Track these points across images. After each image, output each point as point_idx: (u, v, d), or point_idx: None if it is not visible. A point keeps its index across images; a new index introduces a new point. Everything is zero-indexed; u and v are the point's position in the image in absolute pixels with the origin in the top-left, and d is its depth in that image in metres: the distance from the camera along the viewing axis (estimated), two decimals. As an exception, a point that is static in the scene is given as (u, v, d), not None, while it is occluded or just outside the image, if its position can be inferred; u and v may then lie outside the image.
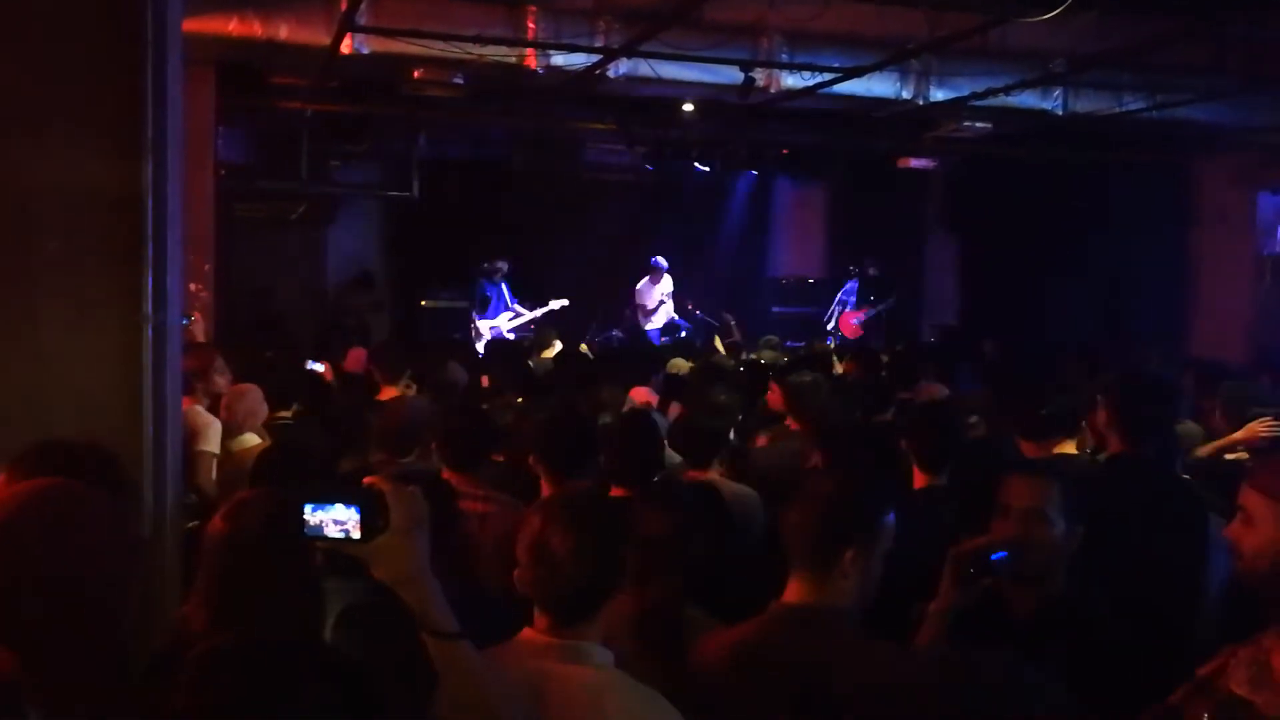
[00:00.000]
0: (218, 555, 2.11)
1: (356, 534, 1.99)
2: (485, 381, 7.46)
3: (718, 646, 2.70)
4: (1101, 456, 4.16)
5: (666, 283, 15.12)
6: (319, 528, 1.99)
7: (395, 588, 1.98)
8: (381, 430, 4.60)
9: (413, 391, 6.41)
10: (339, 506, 1.99)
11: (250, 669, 1.91)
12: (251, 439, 5.39)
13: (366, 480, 2.03)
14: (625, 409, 6.05)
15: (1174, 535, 3.17)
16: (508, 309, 14.22)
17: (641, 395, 6.59)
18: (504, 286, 14.29)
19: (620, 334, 14.73)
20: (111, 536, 1.93)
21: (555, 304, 13.97)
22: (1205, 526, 3.24)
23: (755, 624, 2.67)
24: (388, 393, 6.39)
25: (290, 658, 1.97)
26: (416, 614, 1.98)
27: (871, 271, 15.19)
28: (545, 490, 3.90)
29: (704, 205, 16.47)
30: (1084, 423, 4.61)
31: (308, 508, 1.99)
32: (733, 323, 14.40)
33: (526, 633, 2.37)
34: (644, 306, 15.11)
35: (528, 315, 14.08)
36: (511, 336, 13.62)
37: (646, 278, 15.09)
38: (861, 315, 15.10)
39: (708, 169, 13.87)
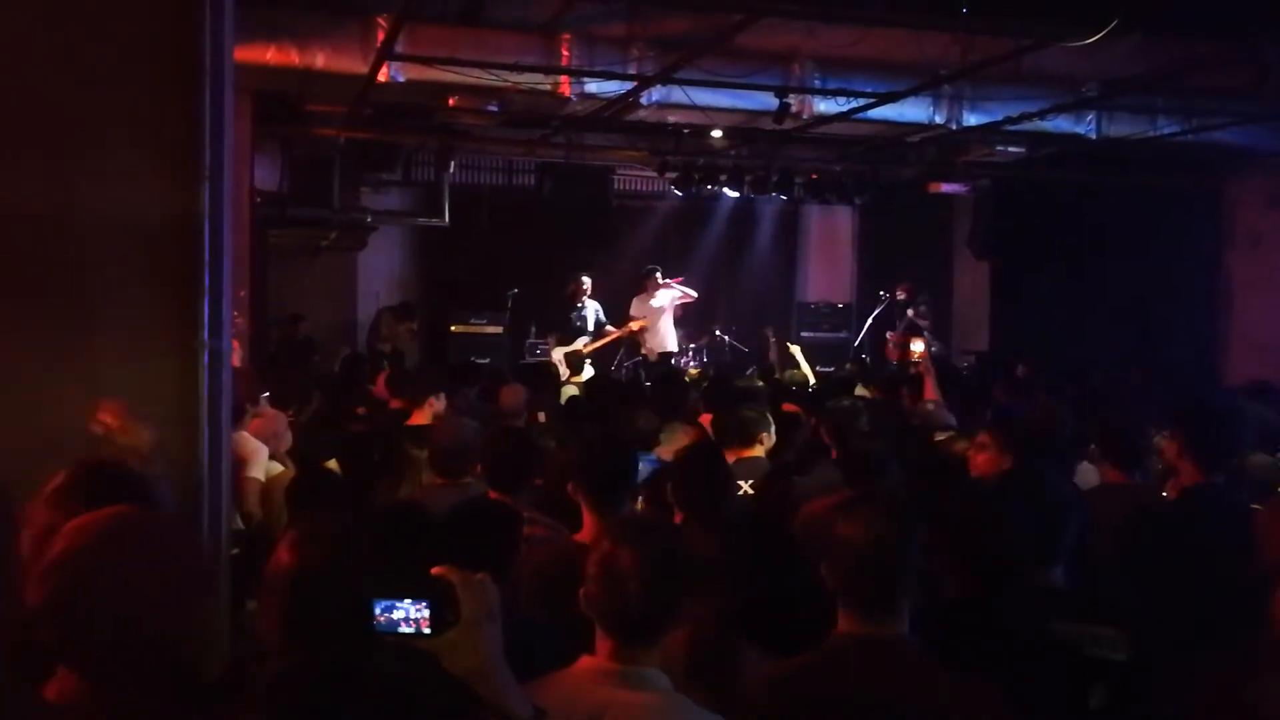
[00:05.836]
0: (285, 587, 2.12)
1: (427, 629, 1.98)
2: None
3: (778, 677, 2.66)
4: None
5: (661, 295, 13.32)
6: (390, 624, 1.99)
7: (469, 680, 1.98)
8: (436, 453, 4.60)
9: (440, 408, 6.40)
10: (408, 602, 1.99)
11: (312, 690, 1.94)
12: (274, 467, 5.38)
13: (435, 571, 2.01)
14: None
15: (1242, 566, 3.14)
16: (585, 333, 13.09)
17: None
18: (595, 308, 13.19)
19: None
20: (182, 562, 1.95)
21: (635, 325, 13.13)
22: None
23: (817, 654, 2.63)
24: (417, 417, 6.39)
25: (349, 681, 1.99)
26: (492, 705, 1.97)
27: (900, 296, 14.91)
28: (586, 518, 3.87)
29: (733, 230, 16.48)
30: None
31: (377, 605, 1.98)
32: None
33: (586, 660, 2.36)
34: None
35: (605, 339, 13.11)
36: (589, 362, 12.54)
37: (644, 292, 13.42)
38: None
39: (737, 194, 13.88)
